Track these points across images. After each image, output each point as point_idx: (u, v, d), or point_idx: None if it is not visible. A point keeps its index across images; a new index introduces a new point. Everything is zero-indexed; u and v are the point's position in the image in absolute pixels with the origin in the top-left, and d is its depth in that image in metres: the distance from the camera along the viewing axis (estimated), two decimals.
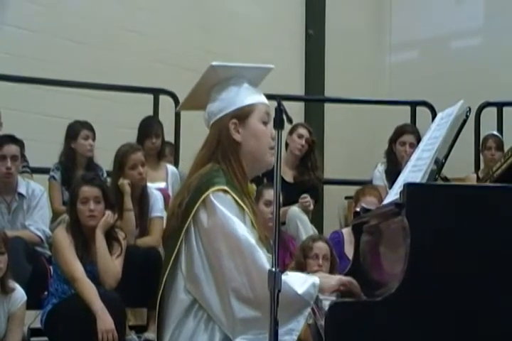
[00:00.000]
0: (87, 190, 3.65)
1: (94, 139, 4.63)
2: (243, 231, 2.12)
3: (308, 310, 2.11)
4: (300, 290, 2.08)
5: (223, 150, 2.26)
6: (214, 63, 2.28)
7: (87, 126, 4.65)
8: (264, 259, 2.10)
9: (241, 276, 2.09)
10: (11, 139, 4.14)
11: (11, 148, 4.09)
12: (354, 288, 2.24)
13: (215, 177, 2.19)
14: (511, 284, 1.89)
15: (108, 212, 3.67)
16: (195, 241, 2.16)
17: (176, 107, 5.37)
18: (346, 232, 4.41)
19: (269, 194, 4.21)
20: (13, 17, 5.62)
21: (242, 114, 2.27)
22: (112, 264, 3.59)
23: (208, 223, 2.14)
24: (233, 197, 2.17)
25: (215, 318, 2.13)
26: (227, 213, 2.13)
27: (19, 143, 4.22)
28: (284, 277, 1.95)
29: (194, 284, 2.15)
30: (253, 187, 2.35)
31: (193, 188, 2.19)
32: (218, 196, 2.15)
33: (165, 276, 2.19)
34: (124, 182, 4.11)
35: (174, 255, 2.17)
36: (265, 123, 2.30)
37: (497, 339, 1.88)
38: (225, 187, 2.16)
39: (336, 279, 2.24)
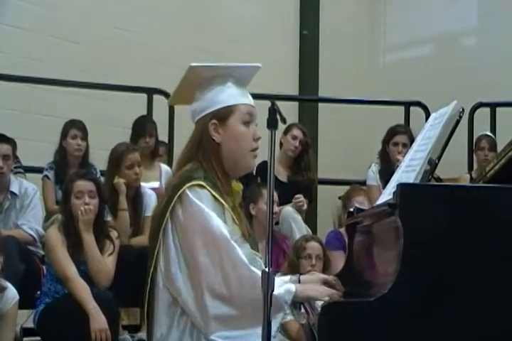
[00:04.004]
0: (82, 184, 3.62)
1: (84, 139, 4.60)
2: (219, 225, 2.12)
3: (282, 316, 2.08)
4: (275, 291, 2.01)
5: (204, 150, 2.26)
6: (193, 64, 2.27)
7: (77, 125, 4.63)
8: (240, 254, 2.09)
9: (216, 272, 2.08)
10: (3, 138, 4.13)
11: (3, 148, 4.07)
12: (336, 295, 2.18)
13: (192, 174, 2.19)
14: (503, 283, 1.90)
15: (87, 207, 3.56)
16: (171, 238, 2.16)
17: (170, 107, 5.36)
18: (344, 231, 4.44)
19: None
20: (10, 16, 5.61)
21: (222, 115, 2.26)
22: (104, 264, 3.57)
23: (183, 218, 2.14)
24: (210, 192, 2.16)
25: (190, 314, 2.12)
26: (203, 207, 2.13)
27: (11, 142, 4.21)
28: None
29: (170, 281, 2.15)
30: (239, 186, 2.34)
31: (172, 187, 2.20)
32: (194, 191, 2.15)
33: (149, 277, 2.18)
34: (120, 182, 4.10)
35: (155, 254, 2.17)
36: (247, 124, 2.28)
37: (491, 337, 1.89)
38: (202, 182, 2.16)
39: (315, 290, 2.15)
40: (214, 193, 2.17)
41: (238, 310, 2.02)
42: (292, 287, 2.11)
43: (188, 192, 2.14)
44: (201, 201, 2.13)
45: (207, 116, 2.27)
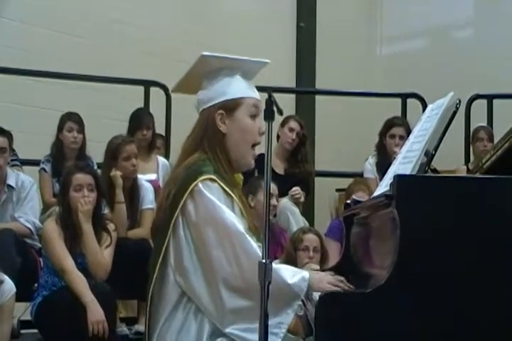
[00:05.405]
0: (81, 177, 3.61)
1: (81, 131, 4.59)
2: (232, 218, 2.12)
3: (298, 303, 2.10)
4: (291, 281, 2.07)
5: (209, 140, 2.26)
6: (205, 53, 2.28)
7: (73, 117, 4.62)
8: (254, 247, 2.09)
9: (231, 265, 2.08)
10: None
11: None
12: (344, 286, 2.18)
13: (202, 167, 2.19)
14: (501, 274, 1.90)
15: (86, 199, 3.57)
16: (183, 233, 2.15)
17: (167, 99, 5.37)
18: None
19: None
20: (11, 10, 5.60)
21: (230, 106, 2.26)
22: (101, 256, 3.57)
23: (195, 212, 2.13)
24: (221, 186, 2.17)
25: (203, 309, 2.12)
26: (216, 201, 2.13)
27: (7, 134, 4.20)
28: (274, 266, 1.94)
29: (183, 276, 2.14)
30: (240, 177, 2.35)
31: (180, 179, 2.19)
32: (206, 184, 2.15)
33: (156, 270, 2.17)
34: (117, 174, 4.09)
35: (164, 248, 2.16)
36: (253, 117, 2.29)
37: (490, 329, 1.89)
38: (213, 176, 2.16)
39: (326, 280, 2.16)
40: (224, 186, 2.17)
41: (255, 301, 2.01)
42: (306, 275, 2.11)
43: (200, 187, 2.13)
44: (213, 195, 2.13)
45: (214, 107, 2.27)
